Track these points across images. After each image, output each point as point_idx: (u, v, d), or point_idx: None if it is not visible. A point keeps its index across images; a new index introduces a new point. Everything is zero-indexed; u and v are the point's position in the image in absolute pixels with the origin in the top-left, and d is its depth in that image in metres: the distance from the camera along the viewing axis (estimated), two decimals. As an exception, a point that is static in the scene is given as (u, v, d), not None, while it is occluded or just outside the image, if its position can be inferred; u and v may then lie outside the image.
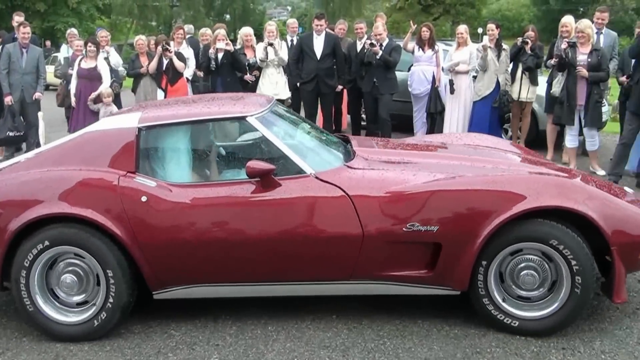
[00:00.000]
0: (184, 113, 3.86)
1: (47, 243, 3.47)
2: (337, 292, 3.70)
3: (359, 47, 8.44)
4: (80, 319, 3.57)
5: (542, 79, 8.28)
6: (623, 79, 7.26)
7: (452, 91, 8.22)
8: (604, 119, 8.03)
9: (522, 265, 3.47)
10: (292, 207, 3.49)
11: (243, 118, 3.74)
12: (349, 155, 3.96)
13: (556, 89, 7.20)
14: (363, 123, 9.28)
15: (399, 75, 8.67)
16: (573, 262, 3.36)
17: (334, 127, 8.79)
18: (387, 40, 8.19)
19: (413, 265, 3.54)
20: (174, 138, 3.82)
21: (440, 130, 8.33)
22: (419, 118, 8.83)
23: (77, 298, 3.60)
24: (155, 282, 3.60)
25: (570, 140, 7.46)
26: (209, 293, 3.70)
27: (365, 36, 8.51)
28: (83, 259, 3.54)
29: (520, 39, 7.89)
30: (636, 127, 6.64)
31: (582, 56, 7.05)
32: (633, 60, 6.87)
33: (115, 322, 3.58)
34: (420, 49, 8.53)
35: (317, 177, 3.55)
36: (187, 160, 3.81)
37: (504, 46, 8.02)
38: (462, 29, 8.46)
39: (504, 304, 3.52)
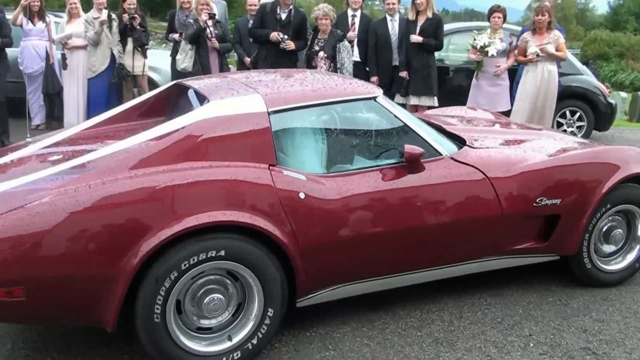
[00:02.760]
0: (311, 94, 3.37)
1: (200, 258, 2.77)
2: (465, 272, 3.65)
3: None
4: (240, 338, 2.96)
5: (162, 52, 8.09)
6: (247, 60, 7.68)
7: (64, 66, 7.63)
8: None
9: (609, 225, 3.92)
10: (443, 190, 3.38)
11: (373, 98, 3.48)
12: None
13: (187, 63, 7.01)
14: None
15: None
16: None
17: None
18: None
19: (531, 237, 3.71)
20: (305, 122, 3.36)
21: (61, 114, 7.51)
22: (35, 100, 8.02)
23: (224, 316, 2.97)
24: (304, 288, 3.10)
25: None
26: (354, 291, 3.35)
27: None
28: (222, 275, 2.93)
29: (127, 15, 7.49)
30: None
31: (209, 28, 7.00)
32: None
33: (269, 339, 3.06)
34: (30, 22, 7.49)
35: (453, 159, 3.49)
36: (323, 147, 3.33)
37: (113, 16, 7.61)
38: None
39: (600, 263, 3.92)
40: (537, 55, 6.80)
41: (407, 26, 7.20)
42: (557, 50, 6.86)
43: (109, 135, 3.64)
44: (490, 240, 3.56)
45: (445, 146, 3.58)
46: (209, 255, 2.78)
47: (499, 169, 3.53)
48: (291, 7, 6.89)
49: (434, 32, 7.09)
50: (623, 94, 9.73)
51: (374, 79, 7.48)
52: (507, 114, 7.53)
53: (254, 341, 2.98)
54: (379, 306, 3.62)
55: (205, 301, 2.87)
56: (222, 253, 2.80)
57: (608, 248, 3.98)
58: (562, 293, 3.88)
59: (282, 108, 3.20)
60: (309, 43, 7.03)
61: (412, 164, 3.30)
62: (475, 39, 7.19)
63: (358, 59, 7.40)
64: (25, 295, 2.57)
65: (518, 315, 3.58)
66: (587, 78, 8.33)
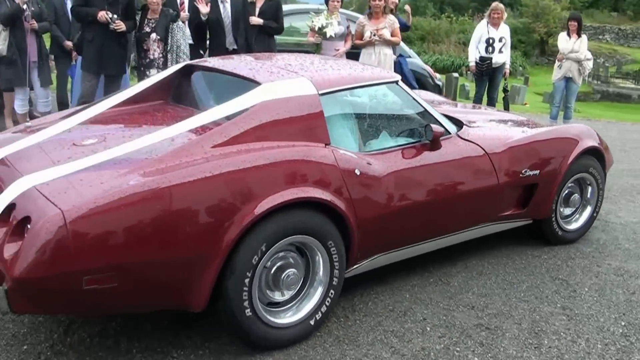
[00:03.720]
0: (348, 77, 3.57)
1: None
2: (468, 238, 4.00)
3: None
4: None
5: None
6: (69, 44, 7.09)
7: None
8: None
9: (568, 191, 4.44)
10: (458, 165, 3.71)
11: (396, 82, 3.73)
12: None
13: (1, 46, 6.09)
14: None
15: None
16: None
17: None
18: None
19: (513, 205, 4.13)
20: (344, 104, 3.54)
21: None
22: None
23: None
24: (354, 259, 3.31)
25: (21, 105, 6.64)
26: (389, 259, 3.59)
27: None
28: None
29: None
30: (94, 84, 6.34)
31: (28, 7, 6.29)
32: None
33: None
34: None
35: (459, 137, 3.83)
36: (359, 127, 3.53)
37: None
38: None
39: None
40: (374, 35, 6.89)
41: (245, 7, 6.88)
42: (392, 34, 7.01)
43: (141, 119, 3.57)
44: (489, 208, 3.97)
45: (450, 125, 3.88)
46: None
47: (494, 145, 3.92)
48: (117, -17, 6.22)
49: (274, 14, 6.86)
50: (438, 75, 10.34)
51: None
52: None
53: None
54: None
55: (282, 277, 2.97)
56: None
57: (568, 211, 4.56)
58: (440, 273, 3.91)
59: (329, 90, 3.34)
60: (137, 24, 6.44)
61: (434, 142, 3.57)
62: (312, 21, 7.09)
63: (191, 41, 6.94)
64: (116, 282, 2.49)
65: (407, 301, 3.53)
66: (415, 60, 8.64)
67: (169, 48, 6.34)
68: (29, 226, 2.41)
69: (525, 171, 4.03)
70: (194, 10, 7.01)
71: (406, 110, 3.80)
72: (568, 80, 8.72)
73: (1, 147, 3.11)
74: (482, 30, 8.24)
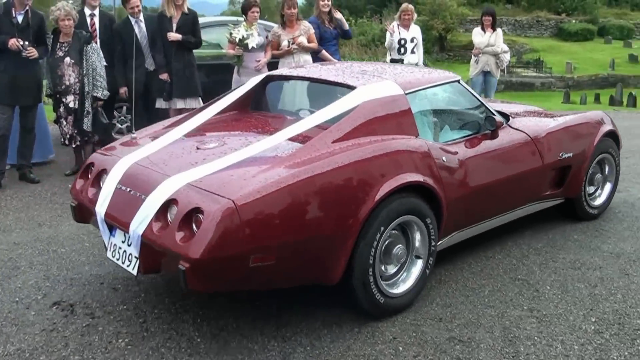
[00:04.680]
0: (423, 79, 4.02)
1: (395, 216, 3.35)
2: (519, 216, 4.49)
3: None
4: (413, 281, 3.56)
5: None
6: None
7: None
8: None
9: (592, 171, 4.93)
10: (514, 150, 4.25)
11: (457, 81, 4.19)
12: None
13: None
14: None
15: None
16: (617, 163, 5.17)
17: None
18: None
19: (550, 185, 4.64)
20: (422, 102, 3.96)
21: None
22: None
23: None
24: (439, 236, 3.71)
25: None
26: (461, 237, 4.03)
27: None
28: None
29: None
30: (10, 116, 5.87)
31: None
32: None
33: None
34: None
35: (510, 126, 4.37)
36: (434, 122, 3.99)
37: None
38: None
39: (590, 201, 5.01)
40: (292, 44, 6.76)
41: (161, 23, 6.57)
42: (308, 40, 6.91)
43: (242, 125, 3.99)
44: (535, 188, 4.50)
45: (501, 118, 4.33)
46: (407, 210, 3.38)
47: (537, 132, 4.45)
48: (27, 8, 5.78)
49: (191, 28, 6.60)
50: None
51: (123, 90, 6.72)
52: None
53: (426, 275, 3.64)
54: (227, 345, 3.14)
55: (393, 251, 3.43)
56: (416, 209, 3.44)
57: (591, 189, 5.07)
58: (400, 285, 3.79)
59: (412, 90, 3.80)
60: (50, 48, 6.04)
61: (495, 132, 4.09)
62: (232, 33, 6.86)
63: (106, 64, 6.56)
64: (275, 259, 2.89)
65: (372, 320, 3.38)
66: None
67: (84, 72, 5.97)
68: (200, 216, 2.75)
69: (562, 154, 4.56)
70: (106, 31, 6.66)
71: (467, 105, 4.28)
72: (486, 74, 8.90)
73: (123, 155, 3.45)
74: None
